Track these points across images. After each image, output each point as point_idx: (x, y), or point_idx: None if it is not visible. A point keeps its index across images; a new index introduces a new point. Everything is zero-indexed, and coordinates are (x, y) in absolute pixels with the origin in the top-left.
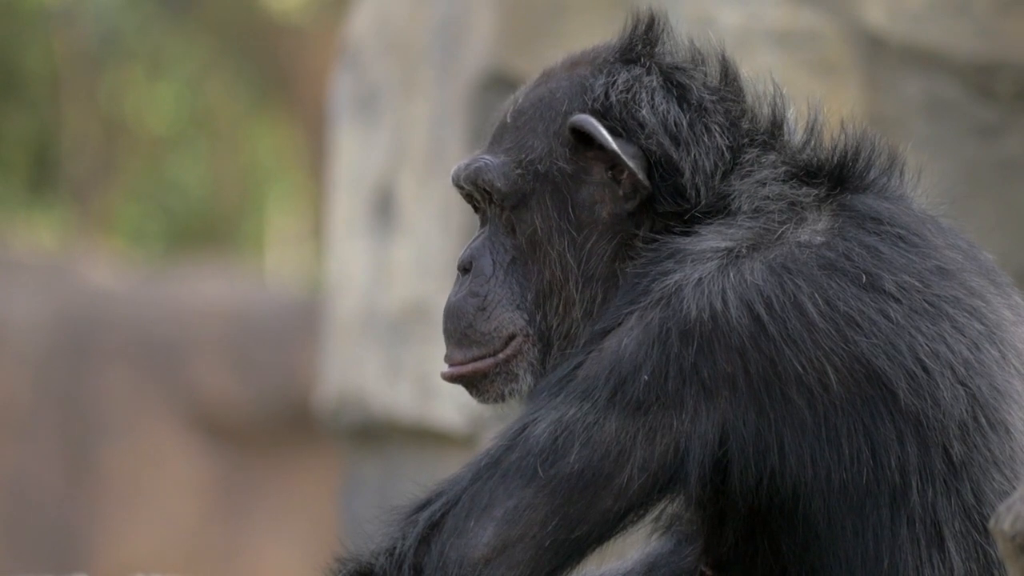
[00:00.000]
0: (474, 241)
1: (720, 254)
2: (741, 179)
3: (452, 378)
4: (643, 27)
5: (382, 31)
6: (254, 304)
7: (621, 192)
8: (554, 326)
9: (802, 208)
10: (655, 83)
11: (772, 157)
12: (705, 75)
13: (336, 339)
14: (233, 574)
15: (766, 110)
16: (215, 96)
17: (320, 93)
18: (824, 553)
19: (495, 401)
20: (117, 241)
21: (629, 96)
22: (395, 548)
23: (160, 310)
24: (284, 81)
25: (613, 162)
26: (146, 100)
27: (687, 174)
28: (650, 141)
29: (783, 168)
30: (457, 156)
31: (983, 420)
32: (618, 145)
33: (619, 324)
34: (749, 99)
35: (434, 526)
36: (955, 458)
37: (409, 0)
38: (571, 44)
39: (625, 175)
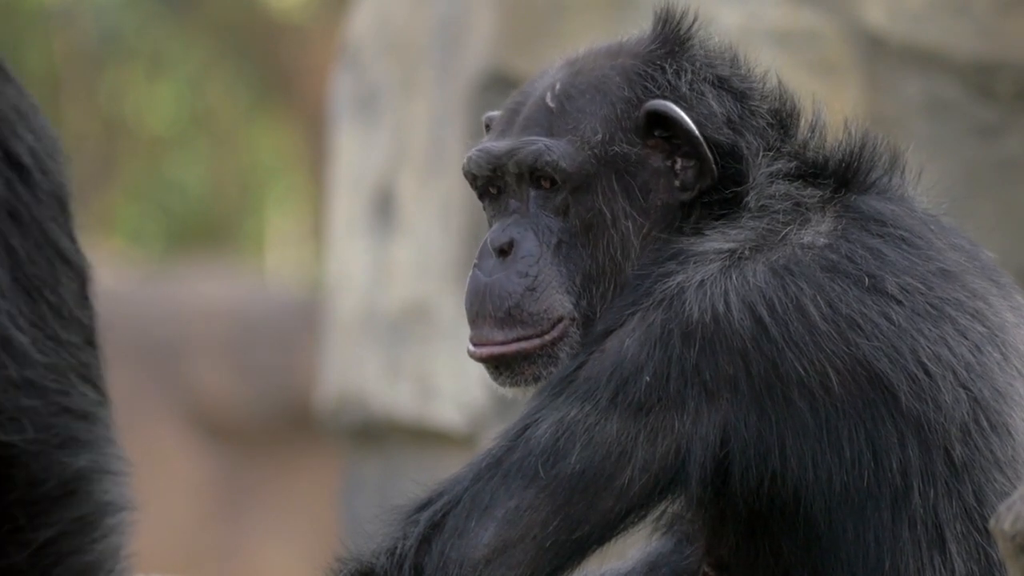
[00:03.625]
0: (506, 222)
1: (723, 255)
2: (757, 171)
3: (489, 358)
4: (674, 23)
5: (382, 31)
6: (254, 304)
7: (677, 182)
8: (597, 311)
9: (806, 209)
10: (708, 75)
11: (781, 156)
12: (738, 70)
13: (336, 339)
14: (233, 574)
15: (778, 108)
16: (215, 96)
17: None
18: (825, 555)
19: (525, 384)
20: (117, 241)
21: (696, 87)
22: (396, 548)
23: (160, 310)
24: (284, 81)
25: (674, 151)
26: (146, 100)
27: (744, 163)
28: (718, 131)
29: (791, 167)
30: (457, 156)
31: (984, 422)
32: (694, 129)
33: (621, 325)
34: (766, 97)
35: (435, 526)
36: (956, 460)
37: (409, 0)
38: (571, 44)
39: (684, 164)
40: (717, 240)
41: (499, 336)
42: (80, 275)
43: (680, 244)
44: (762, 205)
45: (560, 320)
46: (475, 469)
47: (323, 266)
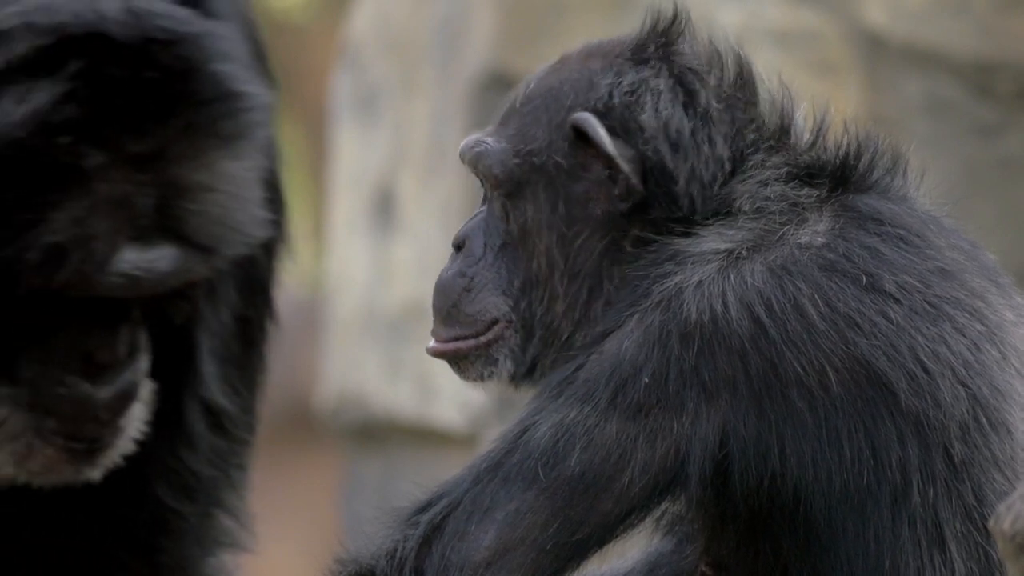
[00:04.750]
0: (472, 219)
1: (720, 256)
2: (743, 182)
3: (435, 353)
4: (662, 25)
5: (382, 31)
6: None
7: (616, 192)
8: (537, 316)
9: (803, 209)
10: (663, 86)
11: (776, 159)
12: (719, 78)
13: (336, 339)
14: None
15: (775, 112)
16: None
17: (320, 92)
18: (825, 554)
19: (475, 381)
20: None
21: (633, 98)
22: (396, 551)
23: None
24: (284, 81)
25: (610, 162)
26: None
27: (682, 183)
28: (647, 146)
29: (785, 169)
30: (457, 156)
31: (984, 421)
32: (616, 147)
33: (619, 326)
34: (762, 101)
35: (435, 528)
36: (956, 458)
37: (409, 0)
38: (571, 44)
39: (621, 176)
40: (714, 241)
41: (442, 334)
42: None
43: (677, 245)
44: (758, 207)
45: (495, 323)
46: (475, 471)
47: (323, 266)
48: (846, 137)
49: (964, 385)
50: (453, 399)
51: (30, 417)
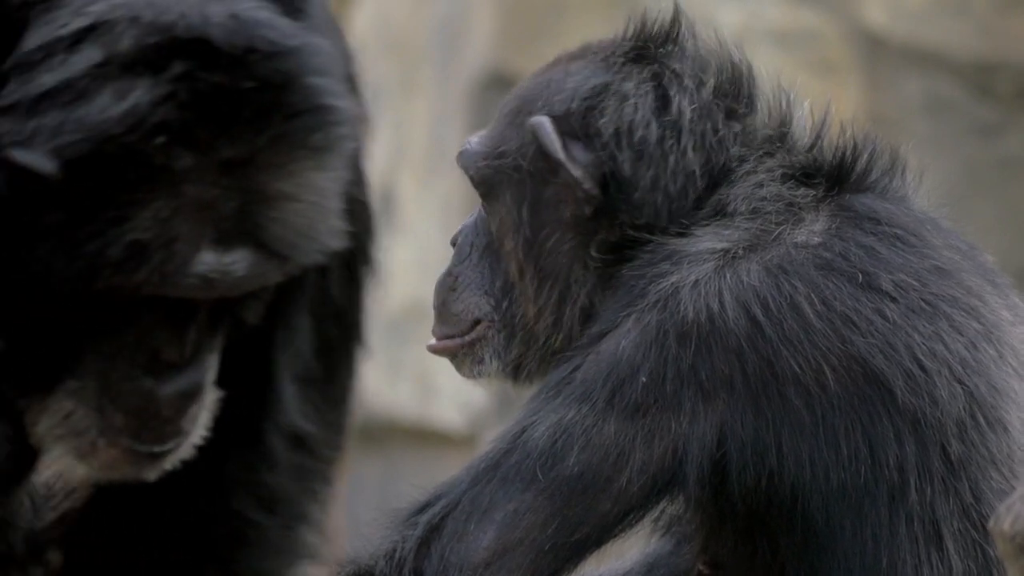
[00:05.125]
0: (466, 220)
1: (716, 255)
2: (734, 186)
3: (431, 350)
4: (654, 27)
5: (382, 31)
6: None
7: (581, 194)
8: (517, 317)
9: (800, 209)
10: (632, 90)
11: (771, 162)
12: (706, 84)
13: None
14: None
15: (775, 114)
16: None
17: None
18: (823, 552)
19: (470, 377)
20: None
21: (594, 102)
22: (395, 551)
23: None
24: None
25: (560, 166)
26: None
27: (642, 191)
28: (604, 152)
29: (781, 171)
30: None
31: (981, 419)
32: (571, 151)
33: (616, 326)
34: (760, 104)
35: (434, 529)
36: (953, 457)
37: (409, 0)
38: (571, 44)
39: (572, 181)
40: (711, 240)
41: (437, 331)
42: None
43: (673, 245)
44: (754, 208)
45: (478, 322)
46: (473, 472)
47: None
48: (844, 138)
49: (961, 383)
50: (453, 400)
51: (96, 414)
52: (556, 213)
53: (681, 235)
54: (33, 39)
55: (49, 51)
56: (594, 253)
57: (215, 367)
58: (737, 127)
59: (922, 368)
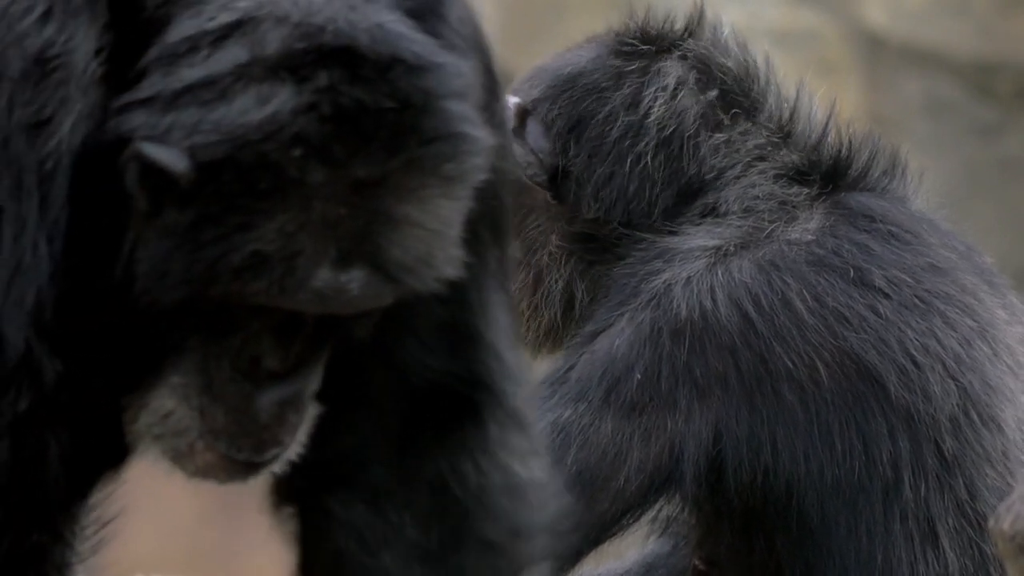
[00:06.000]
0: None
1: (708, 252)
2: (724, 188)
3: None
4: (662, 24)
5: None
6: None
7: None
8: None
9: (793, 207)
10: (610, 85)
11: (763, 164)
12: (707, 84)
13: None
14: (233, 574)
15: (775, 116)
16: None
17: None
18: (818, 549)
19: None
20: None
21: (562, 92)
22: None
23: None
24: None
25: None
26: None
27: (593, 186)
28: (559, 142)
29: (774, 171)
30: None
31: (975, 416)
32: (530, 136)
33: (610, 325)
34: (769, 104)
35: None
36: (947, 453)
37: None
38: (571, 44)
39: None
40: (703, 238)
41: None
42: None
43: (666, 242)
44: (747, 206)
45: None
46: None
47: None
48: (843, 137)
49: (954, 379)
50: None
51: (196, 415)
52: (530, 195)
53: (673, 233)
54: (177, 32)
55: (193, 45)
56: (556, 240)
57: (317, 381)
58: (721, 137)
59: (915, 364)
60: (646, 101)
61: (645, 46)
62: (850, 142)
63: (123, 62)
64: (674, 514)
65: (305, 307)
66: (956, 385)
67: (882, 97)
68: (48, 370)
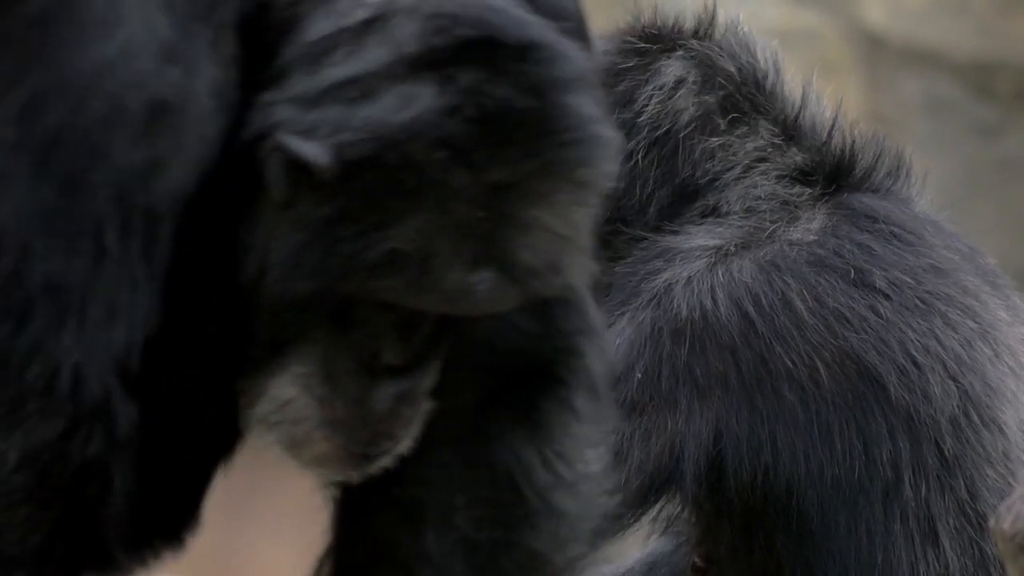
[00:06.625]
0: None
1: (709, 252)
2: (725, 189)
3: None
4: (671, 22)
5: None
6: None
7: None
8: None
9: (795, 207)
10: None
11: (764, 165)
12: (708, 84)
13: None
14: (233, 574)
15: (779, 118)
16: None
17: None
18: (818, 549)
19: None
20: None
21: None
22: None
23: None
24: None
25: None
26: None
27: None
28: None
29: (776, 172)
30: None
31: (975, 417)
32: None
33: (610, 325)
34: (775, 105)
35: None
36: (947, 453)
37: None
38: None
39: None
40: (703, 237)
41: None
42: None
43: (667, 242)
44: (748, 206)
45: None
46: None
47: None
48: (847, 138)
49: (955, 380)
50: None
51: (316, 404)
52: None
53: (674, 233)
54: (314, 30)
55: (333, 43)
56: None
57: (433, 377)
58: (715, 141)
59: (915, 364)
60: (641, 99)
61: (648, 44)
62: (853, 143)
63: (255, 64)
64: (674, 513)
65: (433, 307)
66: (956, 386)
67: (882, 97)
68: (123, 418)
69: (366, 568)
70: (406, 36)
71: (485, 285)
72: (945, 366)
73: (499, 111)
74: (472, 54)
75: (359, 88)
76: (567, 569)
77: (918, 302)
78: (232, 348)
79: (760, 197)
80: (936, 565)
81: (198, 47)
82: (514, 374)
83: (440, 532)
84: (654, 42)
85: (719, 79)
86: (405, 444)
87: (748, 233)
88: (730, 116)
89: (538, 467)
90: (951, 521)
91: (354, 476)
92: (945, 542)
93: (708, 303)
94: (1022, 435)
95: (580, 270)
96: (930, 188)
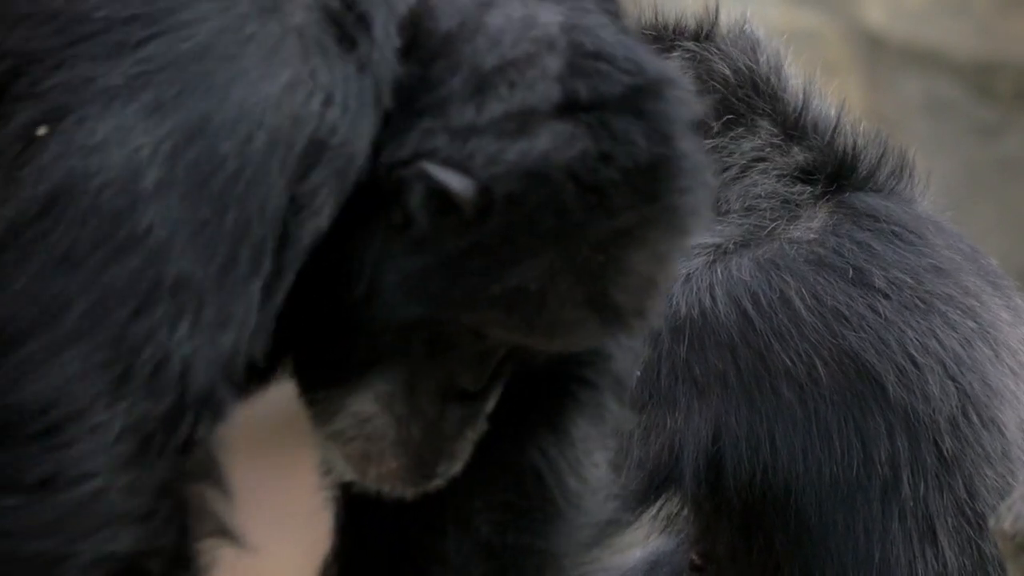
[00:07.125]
0: None
1: (708, 250)
2: (725, 188)
3: None
4: (673, 22)
5: None
6: None
7: None
8: None
9: (796, 206)
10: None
11: (763, 165)
12: (708, 85)
13: None
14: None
15: (779, 119)
16: None
17: None
18: (816, 547)
19: None
20: None
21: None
22: None
23: None
24: None
25: None
26: None
27: None
28: None
29: (776, 171)
30: None
31: (974, 416)
32: None
33: None
34: (777, 107)
35: None
36: (946, 453)
37: None
38: None
39: None
40: (702, 236)
41: None
42: None
43: None
44: (748, 205)
45: None
46: None
47: None
48: (849, 137)
49: (954, 380)
50: None
51: (395, 423)
52: None
53: None
54: (467, 65)
55: (494, 77)
56: None
57: (495, 401)
58: (708, 143)
59: (914, 364)
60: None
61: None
62: (856, 142)
63: (406, 98)
64: (673, 512)
65: (536, 342)
66: (955, 386)
67: (882, 97)
68: (227, 410)
69: (378, 569)
70: (563, 74)
71: (581, 325)
72: (944, 366)
73: (643, 161)
74: (626, 100)
75: (515, 123)
76: (578, 571)
77: (918, 302)
78: (314, 361)
79: (760, 196)
80: (934, 564)
81: (359, 91)
82: (542, 376)
83: (459, 534)
84: (653, 43)
85: (713, 82)
86: (460, 464)
87: (747, 231)
88: (724, 118)
89: (567, 471)
90: (949, 520)
91: (411, 493)
92: (943, 541)
93: (707, 301)
94: (1021, 435)
95: (658, 315)
96: (930, 188)
